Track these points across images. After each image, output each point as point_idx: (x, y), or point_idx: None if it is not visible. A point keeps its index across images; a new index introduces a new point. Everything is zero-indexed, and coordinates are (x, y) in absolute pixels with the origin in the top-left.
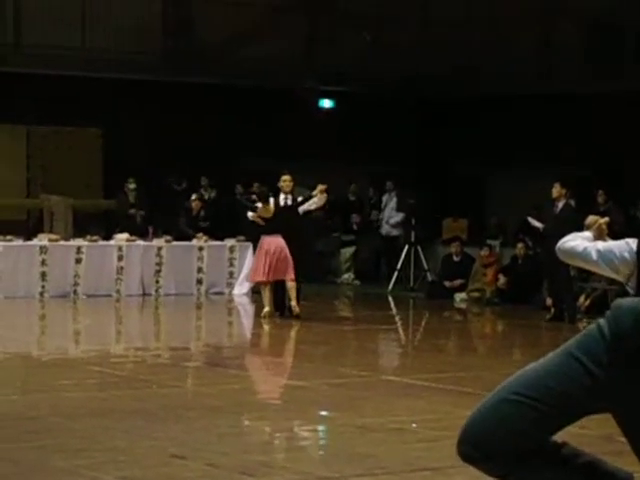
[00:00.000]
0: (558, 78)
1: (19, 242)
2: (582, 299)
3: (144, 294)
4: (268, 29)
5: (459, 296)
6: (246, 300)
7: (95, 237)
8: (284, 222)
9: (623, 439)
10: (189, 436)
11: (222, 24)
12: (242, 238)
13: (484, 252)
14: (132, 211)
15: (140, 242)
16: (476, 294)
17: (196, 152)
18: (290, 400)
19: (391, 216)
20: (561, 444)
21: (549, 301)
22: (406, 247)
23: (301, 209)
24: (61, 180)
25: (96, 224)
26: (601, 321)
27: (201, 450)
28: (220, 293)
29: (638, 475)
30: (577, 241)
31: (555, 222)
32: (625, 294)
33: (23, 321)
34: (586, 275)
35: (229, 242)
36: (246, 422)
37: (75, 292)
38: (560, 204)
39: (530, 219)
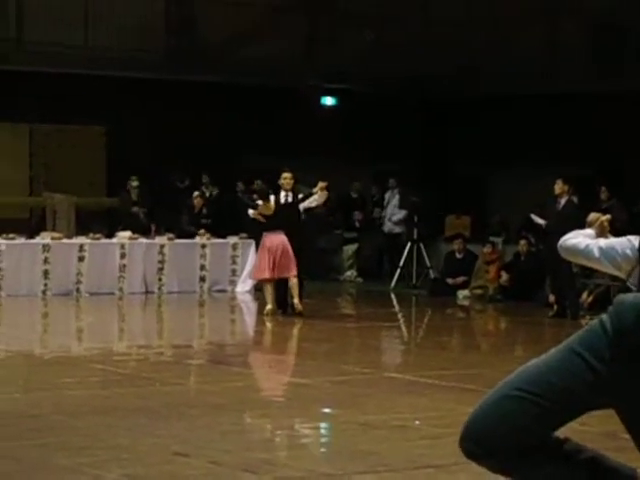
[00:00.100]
0: (560, 78)
1: (22, 240)
2: (585, 295)
3: (147, 292)
4: (269, 29)
5: (462, 293)
6: (249, 297)
7: (98, 235)
8: (285, 219)
9: (626, 435)
10: (192, 434)
11: (223, 23)
12: (245, 235)
13: (487, 249)
14: (135, 209)
15: (143, 240)
16: (479, 291)
17: (198, 150)
18: (293, 397)
19: (394, 213)
20: (563, 440)
21: (552, 298)
22: (408, 244)
23: (302, 206)
24: (64, 178)
25: (99, 222)
26: (603, 317)
27: (204, 448)
28: (223, 291)
29: None
30: (579, 238)
31: (558, 219)
32: (627, 290)
33: (26, 319)
34: (589, 272)
35: (232, 239)
36: (249, 420)
37: (78, 290)
38: (563, 201)
39: (533, 216)
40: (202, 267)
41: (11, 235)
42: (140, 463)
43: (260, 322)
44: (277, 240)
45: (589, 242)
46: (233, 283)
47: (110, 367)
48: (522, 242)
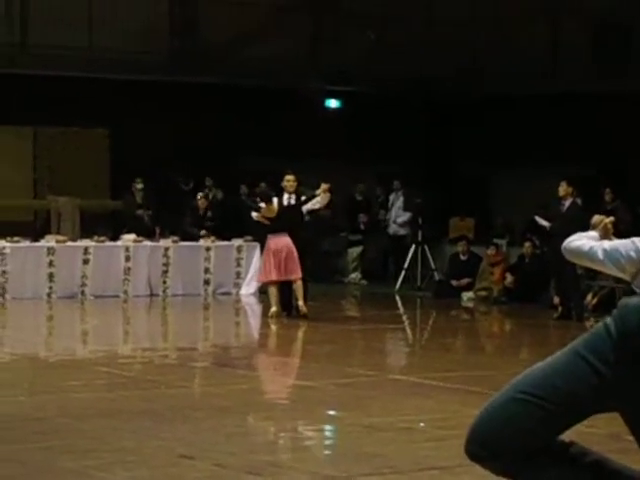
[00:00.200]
0: (563, 78)
1: (26, 243)
2: (589, 297)
3: (151, 295)
4: (272, 29)
5: (466, 295)
6: (253, 300)
7: (102, 238)
8: (288, 221)
9: (630, 437)
10: (197, 436)
11: (227, 24)
12: (249, 238)
13: (491, 251)
14: (139, 212)
15: (147, 242)
16: (483, 293)
17: (202, 152)
18: (297, 400)
19: (398, 215)
20: (569, 443)
21: (556, 300)
22: (413, 246)
23: (305, 208)
24: (68, 181)
25: (103, 225)
26: (608, 320)
27: (209, 450)
28: (227, 293)
29: None
30: (583, 240)
31: (562, 221)
32: (632, 292)
33: (31, 322)
34: (593, 273)
35: (236, 242)
36: (253, 422)
37: (82, 293)
38: (567, 203)
39: (537, 218)
40: (207, 270)
41: (16, 238)
42: (145, 465)
43: (265, 324)
44: (282, 242)
45: (593, 244)
46: (238, 286)
47: (115, 370)
48: (527, 244)
